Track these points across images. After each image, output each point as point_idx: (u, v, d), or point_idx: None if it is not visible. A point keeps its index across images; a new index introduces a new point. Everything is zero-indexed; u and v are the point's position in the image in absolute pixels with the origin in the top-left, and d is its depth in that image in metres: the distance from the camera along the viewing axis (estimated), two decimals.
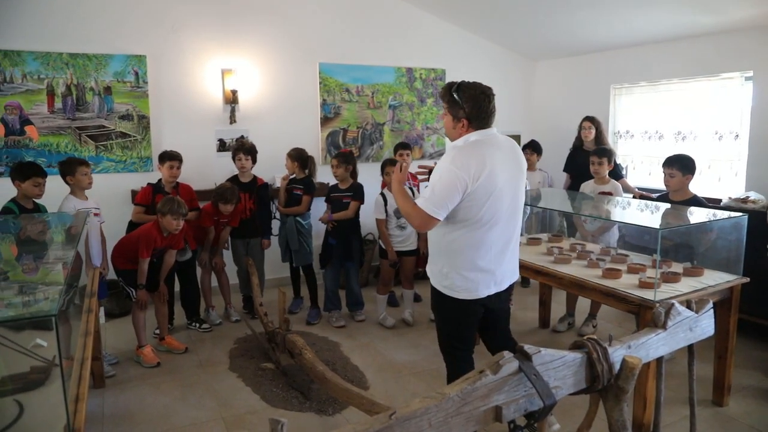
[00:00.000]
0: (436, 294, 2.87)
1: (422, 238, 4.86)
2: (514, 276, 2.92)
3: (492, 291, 2.78)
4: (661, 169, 4.11)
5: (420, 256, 4.95)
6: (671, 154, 4.17)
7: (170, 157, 4.65)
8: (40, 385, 2.00)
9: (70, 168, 4.07)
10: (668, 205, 4.03)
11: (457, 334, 2.90)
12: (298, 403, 3.59)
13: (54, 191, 4.17)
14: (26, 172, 3.84)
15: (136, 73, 5.26)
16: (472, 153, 2.60)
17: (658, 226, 3.32)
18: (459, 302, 2.76)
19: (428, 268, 2.92)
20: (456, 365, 2.90)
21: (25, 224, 3.65)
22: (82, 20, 5.00)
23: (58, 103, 5.00)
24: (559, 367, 1.74)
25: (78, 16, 4.98)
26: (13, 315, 2.03)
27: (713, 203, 4.68)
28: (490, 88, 2.71)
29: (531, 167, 5.54)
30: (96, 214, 4.11)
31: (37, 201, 4.01)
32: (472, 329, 2.92)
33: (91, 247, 3.98)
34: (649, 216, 4.03)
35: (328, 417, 3.44)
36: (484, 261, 2.71)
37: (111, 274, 4.44)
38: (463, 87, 2.66)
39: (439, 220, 2.60)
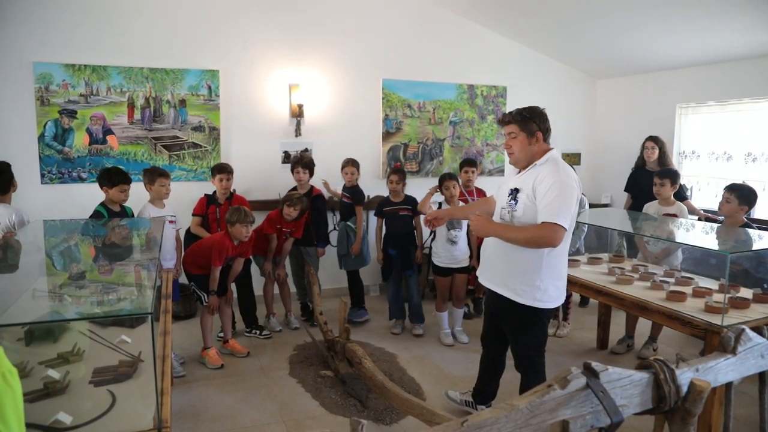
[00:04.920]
0: (525, 311, 2.92)
1: (475, 256, 4.88)
2: None
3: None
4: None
5: (472, 273, 4.81)
6: (739, 175, 4.10)
7: (220, 170, 4.84)
8: (128, 378, 2.15)
9: (151, 177, 4.33)
10: (736, 229, 3.94)
11: (544, 341, 3.10)
12: (356, 411, 3.67)
13: (136, 197, 4.45)
14: (114, 180, 4.10)
15: (209, 87, 5.52)
16: (567, 167, 2.87)
17: (726, 250, 3.26)
18: (549, 311, 2.99)
19: (513, 288, 2.93)
20: (543, 374, 3.06)
21: (110, 230, 3.91)
22: (162, 37, 5.31)
23: (137, 115, 5.30)
24: (626, 385, 1.76)
25: (159, 33, 5.30)
26: (115, 311, 2.19)
27: None
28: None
29: None
30: (171, 221, 4.33)
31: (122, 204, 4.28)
32: None
33: (165, 251, 4.19)
34: (716, 239, 3.95)
35: (386, 426, 3.52)
36: (565, 268, 3.01)
37: (182, 278, 4.65)
38: (526, 108, 2.97)
39: (567, 230, 2.70)
